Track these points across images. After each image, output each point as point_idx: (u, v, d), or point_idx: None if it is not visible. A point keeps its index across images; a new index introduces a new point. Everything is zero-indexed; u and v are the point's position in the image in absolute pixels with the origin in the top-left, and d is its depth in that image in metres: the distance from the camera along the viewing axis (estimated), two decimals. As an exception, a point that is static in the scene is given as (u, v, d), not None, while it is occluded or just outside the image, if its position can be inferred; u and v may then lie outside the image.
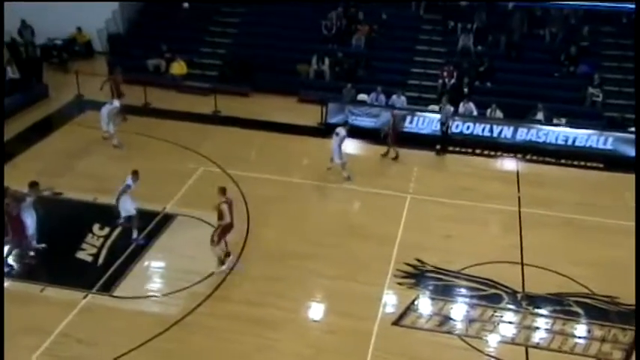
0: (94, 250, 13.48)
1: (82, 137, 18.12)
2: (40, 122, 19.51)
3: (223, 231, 12.78)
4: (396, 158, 18.00)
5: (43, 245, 13.37)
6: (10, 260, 12.91)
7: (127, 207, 13.70)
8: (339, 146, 16.42)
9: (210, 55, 23.43)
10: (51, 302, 11.98)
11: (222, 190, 12.71)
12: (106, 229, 14.10)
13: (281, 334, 11.49)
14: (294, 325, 11.77)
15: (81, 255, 13.35)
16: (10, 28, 22.94)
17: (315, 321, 12.00)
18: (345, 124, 17.29)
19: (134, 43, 24.24)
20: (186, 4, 24.10)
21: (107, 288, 12.42)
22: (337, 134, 16.53)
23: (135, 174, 13.74)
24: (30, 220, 12.94)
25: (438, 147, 18.39)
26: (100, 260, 13.23)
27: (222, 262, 13.00)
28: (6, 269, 12.69)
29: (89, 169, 16.57)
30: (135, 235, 13.91)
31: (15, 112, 19.63)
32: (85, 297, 12.15)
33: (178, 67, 22.49)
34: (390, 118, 18.11)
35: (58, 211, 14.93)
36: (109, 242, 13.77)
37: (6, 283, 12.41)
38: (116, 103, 17.93)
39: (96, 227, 14.14)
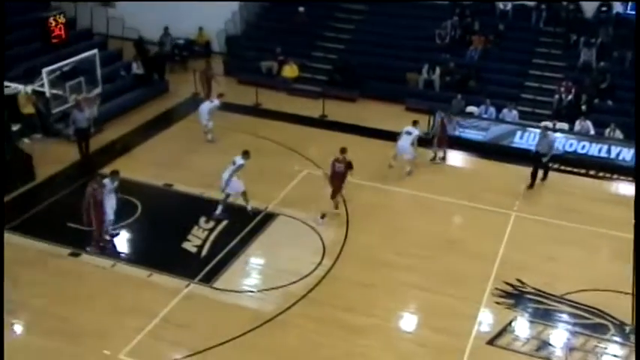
0: (199, 242, 14.05)
1: (195, 133, 18.90)
2: (159, 116, 20.57)
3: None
4: (443, 159, 17.95)
5: (118, 233, 14.16)
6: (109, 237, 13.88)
7: (236, 186, 14.49)
8: (412, 145, 16.68)
9: (321, 60, 23.78)
10: (156, 287, 12.63)
11: (342, 150, 14.56)
12: (211, 223, 14.65)
13: (371, 342, 11.47)
14: (385, 335, 11.73)
15: (186, 245, 13.96)
16: (139, 27, 24.43)
17: (406, 332, 11.90)
18: (414, 123, 17.11)
19: (250, 45, 25.03)
20: (301, 8, 24.61)
21: (208, 279, 12.91)
22: (410, 133, 16.72)
23: (246, 154, 14.56)
24: (108, 206, 13.67)
25: (531, 188, 16.71)
26: (204, 252, 13.78)
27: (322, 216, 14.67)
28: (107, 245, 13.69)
29: (199, 165, 17.29)
30: (219, 210, 14.66)
31: (137, 105, 20.87)
32: (187, 286, 12.70)
33: (290, 70, 23.00)
34: (438, 121, 17.97)
35: (168, 202, 15.74)
36: (212, 236, 14.30)
37: (118, 266, 13.23)
38: (216, 101, 18.58)
39: (202, 220, 14.73)
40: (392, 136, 18.08)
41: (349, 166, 14.56)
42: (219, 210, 14.80)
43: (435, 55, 22.63)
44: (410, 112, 21.15)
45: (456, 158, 18.55)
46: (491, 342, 11.54)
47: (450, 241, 14.44)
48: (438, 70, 21.89)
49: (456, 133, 19.27)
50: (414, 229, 14.83)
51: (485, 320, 12.09)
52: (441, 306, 12.38)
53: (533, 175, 16.63)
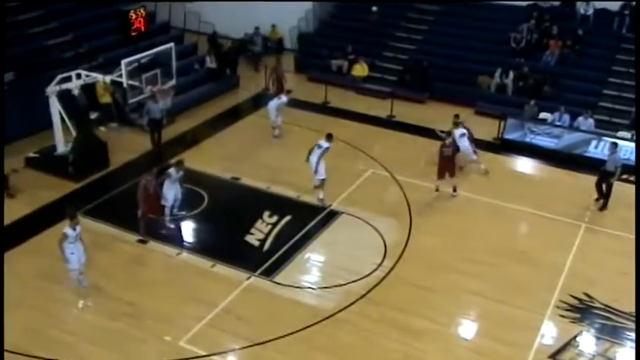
0: (262, 236, 14.24)
1: (263, 128, 19.15)
2: (229, 110, 20.96)
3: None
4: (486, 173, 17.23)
5: (184, 212, 14.67)
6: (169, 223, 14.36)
7: (322, 170, 15.12)
8: (471, 145, 17.02)
9: (391, 60, 23.65)
10: (219, 278, 12.89)
11: (448, 132, 16.13)
12: (275, 217, 14.83)
13: (429, 346, 11.36)
14: (442, 340, 11.58)
15: (249, 239, 14.17)
16: (215, 22, 24.98)
17: (465, 339, 11.69)
18: (457, 124, 17.03)
19: (322, 43, 25.15)
20: (374, 8, 24.53)
21: (269, 273, 13.08)
22: (463, 134, 16.85)
23: (329, 137, 15.34)
24: (172, 193, 14.16)
25: (599, 200, 15.90)
26: (266, 246, 13.96)
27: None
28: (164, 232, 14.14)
29: (265, 159, 17.52)
30: (321, 195, 15.31)
31: (208, 99, 21.34)
32: (248, 278, 12.91)
33: (360, 69, 22.99)
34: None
35: (234, 195, 16.03)
36: (275, 230, 14.46)
37: (183, 254, 13.56)
38: (284, 98, 18.78)
39: (266, 214, 14.93)
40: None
41: (457, 149, 16.02)
42: (321, 194, 15.32)
43: (509, 59, 22.15)
44: (479, 116, 20.81)
45: (526, 165, 18.11)
46: (553, 356, 11.21)
47: (517, 249, 14.11)
48: (511, 75, 21.40)
49: (527, 139, 18.83)
50: (480, 235, 14.57)
51: (549, 333, 11.76)
52: (502, 315, 12.12)
53: (598, 189, 15.88)
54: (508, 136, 19.04)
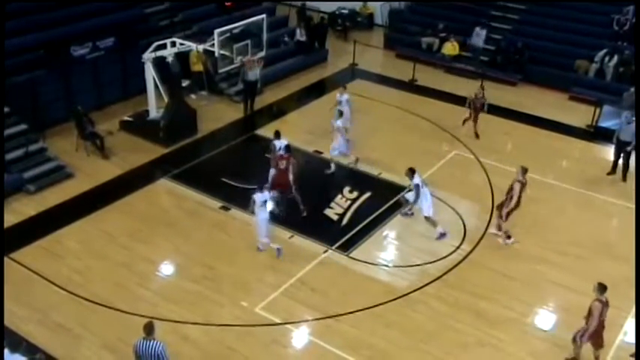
0: (341, 211, 14.31)
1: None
2: (315, 84, 21.01)
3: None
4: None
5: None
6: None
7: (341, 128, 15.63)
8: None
9: (484, 39, 22.89)
10: (296, 249, 13.08)
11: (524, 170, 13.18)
12: (355, 193, 14.85)
13: (505, 334, 11.14)
14: (519, 329, 11.32)
15: (329, 212, 14.28)
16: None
17: (543, 330, 11.39)
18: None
19: (413, 19, 24.69)
20: (469, -15, 23.79)
21: (345, 248, 13.15)
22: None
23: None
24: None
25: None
26: (345, 221, 14.02)
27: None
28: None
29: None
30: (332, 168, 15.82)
31: (296, 71, 21.44)
32: (324, 252, 13.03)
33: (451, 48, 22.42)
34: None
35: (316, 169, 16.13)
36: (355, 206, 14.49)
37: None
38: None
39: (346, 190, 14.97)
40: (551, 125, 17.19)
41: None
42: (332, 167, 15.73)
43: (611, 43, 20.98)
44: (574, 101, 19.95)
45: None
46: (635, 355, 10.72)
47: (604, 243, 13.54)
48: (614, 59, 20.26)
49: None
50: (566, 225, 14.07)
51: (632, 331, 11.26)
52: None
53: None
54: (603, 124, 18.15)
